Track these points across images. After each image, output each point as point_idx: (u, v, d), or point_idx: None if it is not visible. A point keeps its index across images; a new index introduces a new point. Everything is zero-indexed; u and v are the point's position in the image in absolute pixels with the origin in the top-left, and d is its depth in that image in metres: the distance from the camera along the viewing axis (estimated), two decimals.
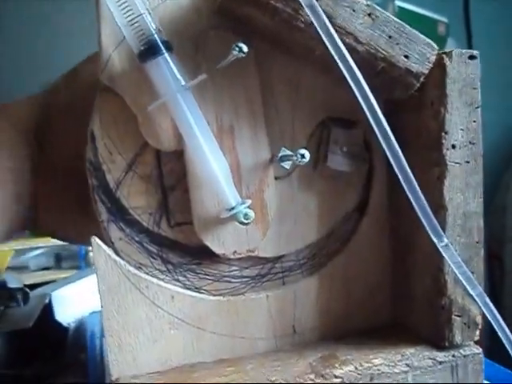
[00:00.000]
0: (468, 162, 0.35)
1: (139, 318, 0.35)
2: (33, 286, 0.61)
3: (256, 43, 0.35)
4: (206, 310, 0.37)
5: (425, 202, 0.32)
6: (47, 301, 0.52)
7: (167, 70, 0.31)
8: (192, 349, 0.37)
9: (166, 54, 0.31)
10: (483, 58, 0.35)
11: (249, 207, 0.33)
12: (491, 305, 0.34)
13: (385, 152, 0.31)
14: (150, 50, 0.31)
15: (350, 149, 0.38)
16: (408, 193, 0.32)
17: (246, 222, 0.33)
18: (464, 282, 0.34)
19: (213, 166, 0.32)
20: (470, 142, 0.35)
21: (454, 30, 1.50)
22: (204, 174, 0.33)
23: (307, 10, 0.29)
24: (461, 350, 0.36)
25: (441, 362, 0.35)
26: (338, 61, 0.30)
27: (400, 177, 0.32)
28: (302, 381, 0.34)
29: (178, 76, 0.32)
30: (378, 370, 0.35)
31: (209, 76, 0.33)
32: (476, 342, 0.37)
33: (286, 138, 0.37)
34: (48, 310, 0.52)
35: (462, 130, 0.34)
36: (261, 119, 0.36)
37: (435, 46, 0.34)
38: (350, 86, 0.30)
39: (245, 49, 0.32)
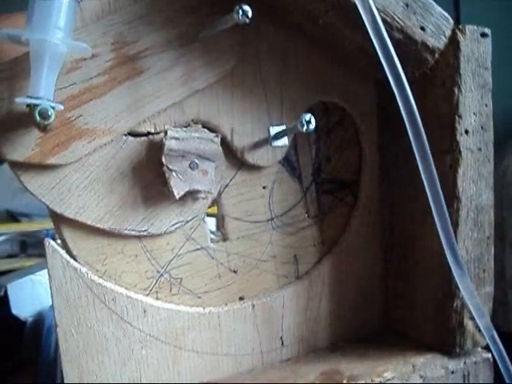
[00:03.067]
0: (480, 150, 0.32)
1: (104, 337, 0.29)
2: None
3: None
4: (183, 325, 0.31)
5: (442, 198, 0.28)
6: (2, 293, 0.48)
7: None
8: (168, 371, 0.31)
9: None
10: None
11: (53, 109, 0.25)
12: (497, 338, 0.31)
13: (407, 134, 0.27)
14: None
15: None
16: (427, 186, 0.28)
17: (40, 120, 0.25)
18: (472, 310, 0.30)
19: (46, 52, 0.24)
20: (482, 128, 0.32)
21: None
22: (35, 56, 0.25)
23: None
24: (472, 357, 0.32)
25: (453, 372, 0.32)
26: (369, 28, 0.25)
27: (421, 166, 0.28)
28: None
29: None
30: None
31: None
32: None
33: (273, 118, 0.32)
34: (4, 302, 0.48)
35: (474, 114, 0.31)
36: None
37: (450, 18, 0.30)
38: (378, 57, 0.26)
39: (249, 13, 0.26)
